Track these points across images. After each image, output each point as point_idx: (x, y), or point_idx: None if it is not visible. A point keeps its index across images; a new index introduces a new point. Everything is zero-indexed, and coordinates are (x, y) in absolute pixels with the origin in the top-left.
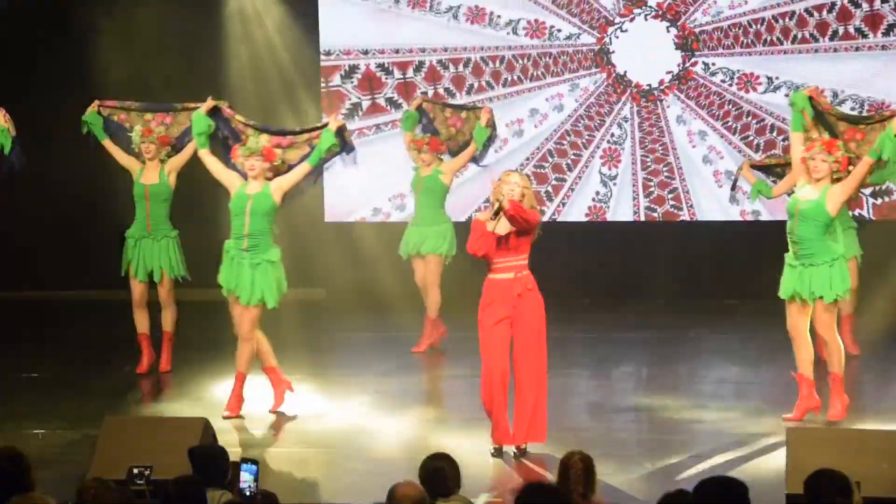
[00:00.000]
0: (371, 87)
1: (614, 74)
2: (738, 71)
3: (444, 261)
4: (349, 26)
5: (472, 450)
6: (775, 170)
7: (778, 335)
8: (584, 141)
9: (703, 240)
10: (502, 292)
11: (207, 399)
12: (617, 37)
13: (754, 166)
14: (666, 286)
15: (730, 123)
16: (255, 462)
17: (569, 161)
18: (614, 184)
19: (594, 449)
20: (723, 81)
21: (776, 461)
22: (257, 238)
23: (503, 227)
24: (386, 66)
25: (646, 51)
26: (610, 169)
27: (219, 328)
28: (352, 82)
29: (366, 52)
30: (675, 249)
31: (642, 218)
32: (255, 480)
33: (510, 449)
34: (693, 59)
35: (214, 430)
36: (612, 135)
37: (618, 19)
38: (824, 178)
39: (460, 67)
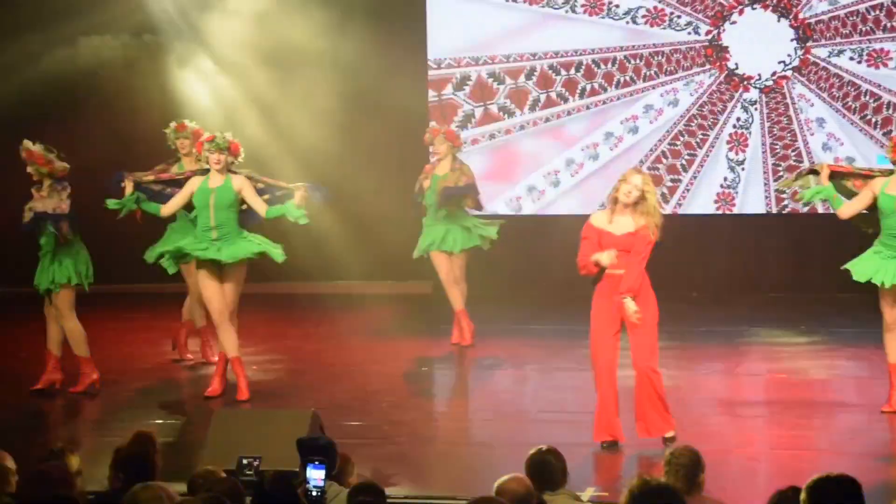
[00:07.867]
0: (483, 97)
1: (727, 69)
2: (866, 49)
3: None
4: (459, 34)
5: (578, 443)
6: (845, 184)
7: None
8: (697, 140)
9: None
10: (612, 289)
11: None
12: (724, 30)
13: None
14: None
15: (849, 104)
16: (322, 462)
17: (683, 161)
18: (742, 169)
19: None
20: (851, 59)
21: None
22: (225, 229)
23: (619, 227)
24: (497, 73)
25: (758, 43)
26: (737, 154)
27: None
28: (464, 92)
29: (476, 61)
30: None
31: (773, 205)
32: (324, 480)
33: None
34: (806, 47)
35: (322, 421)
36: (738, 119)
37: (726, 12)
38: None
39: (572, 71)
